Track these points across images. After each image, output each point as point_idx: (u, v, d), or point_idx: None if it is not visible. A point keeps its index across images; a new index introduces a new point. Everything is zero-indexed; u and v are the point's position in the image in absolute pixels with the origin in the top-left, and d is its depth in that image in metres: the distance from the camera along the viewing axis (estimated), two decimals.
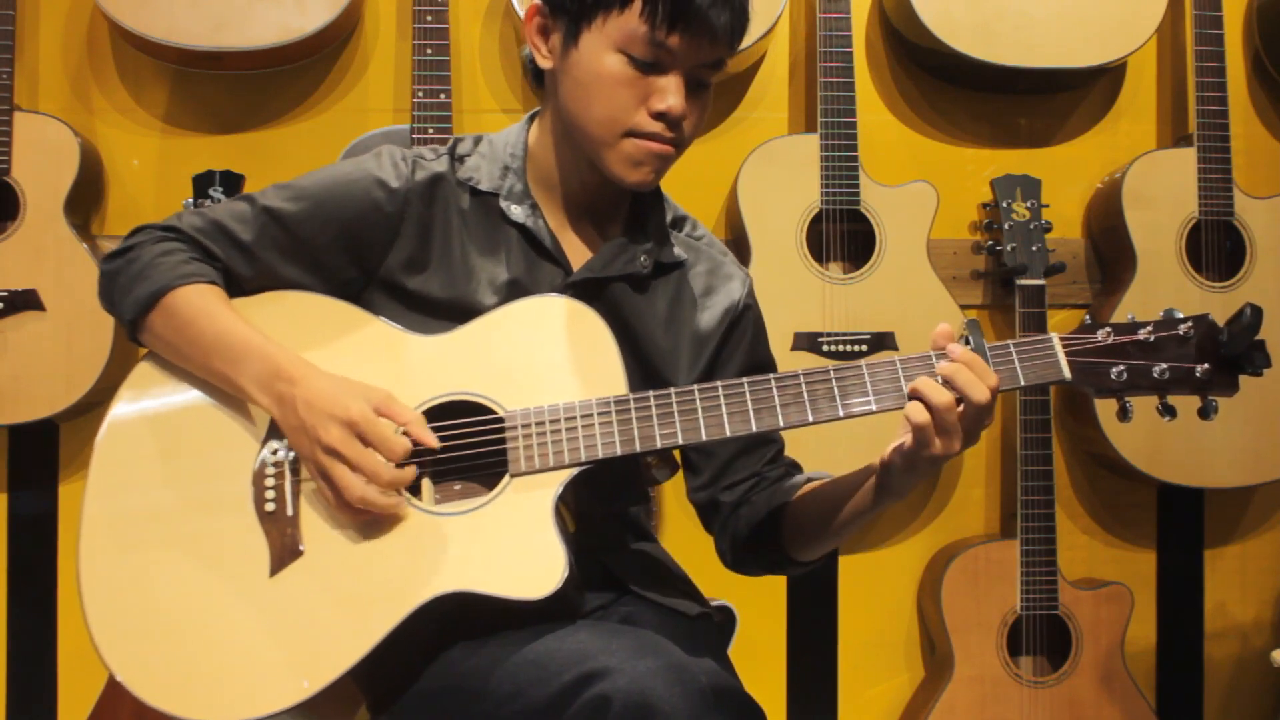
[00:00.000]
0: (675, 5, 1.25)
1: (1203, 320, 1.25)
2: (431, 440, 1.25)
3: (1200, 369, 1.25)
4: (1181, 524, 2.67)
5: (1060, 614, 2.38)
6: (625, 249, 1.41)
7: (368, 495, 1.22)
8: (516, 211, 1.40)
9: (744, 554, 1.48)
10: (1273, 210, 2.47)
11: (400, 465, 1.24)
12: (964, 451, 1.25)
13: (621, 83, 1.29)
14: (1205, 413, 1.27)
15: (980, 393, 1.20)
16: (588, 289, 1.38)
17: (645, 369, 1.41)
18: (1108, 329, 1.26)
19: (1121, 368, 1.25)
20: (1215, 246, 2.46)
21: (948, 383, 1.21)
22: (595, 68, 1.29)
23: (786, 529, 1.43)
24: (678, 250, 1.47)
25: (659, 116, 1.30)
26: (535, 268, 1.39)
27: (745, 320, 1.49)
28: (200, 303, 1.32)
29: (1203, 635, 2.66)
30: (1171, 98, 2.66)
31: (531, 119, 1.45)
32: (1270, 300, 2.40)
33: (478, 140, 1.45)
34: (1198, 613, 2.67)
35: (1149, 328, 1.26)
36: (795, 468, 1.51)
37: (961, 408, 1.21)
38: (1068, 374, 1.25)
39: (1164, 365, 1.25)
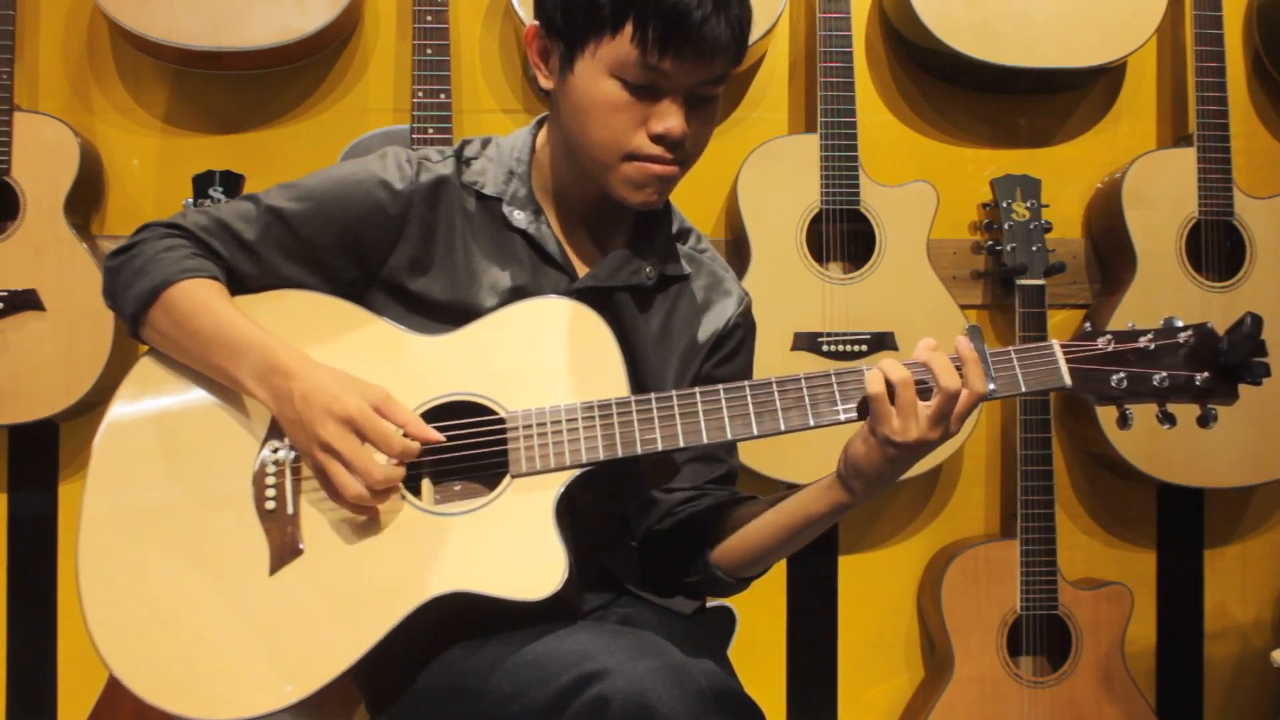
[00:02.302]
0: (666, 30, 1.22)
1: (1202, 329, 1.26)
2: (433, 435, 1.25)
3: (1200, 377, 1.25)
4: (1181, 524, 2.67)
5: (1060, 614, 2.38)
6: (630, 260, 1.41)
7: (363, 493, 1.22)
8: (519, 217, 1.39)
9: (657, 545, 1.44)
10: (1273, 210, 2.47)
11: (409, 463, 1.25)
12: (921, 457, 1.23)
13: (618, 107, 1.27)
14: (1204, 421, 1.27)
15: (950, 380, 1.19)
16: (591, 297, 1.37)
17: (635, 381, 1.40)
18: (1108, 336, 1.26)
19: (1122, 375, 1.25)
20: (1215, 246, 2.46)
21: (924, 366, 1.21)
22: (591, 93, 1.28)
23: (724, 530, 1.38)
24: (682, 263, 1.46)
25: (658, 139, 1.28)
26: (539, 274, 1.39)
27: (733, 337, 1.48)
28: (201, 297, 1.32)
29: (1203, 635, 2.66)
30: (1171, 98, 2.66)
31: (540, 123, 1.45)
32: (1270, 301, 2.41)
33: (485, 143, 1.44)
34: (1198, 613, 2.67)
35: (1149, 335, 1.26)
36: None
37: (936, 400, 1.20)
38: (1068, 381, 1.24)
39: (1164, 373, 1.25)
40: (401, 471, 1.24)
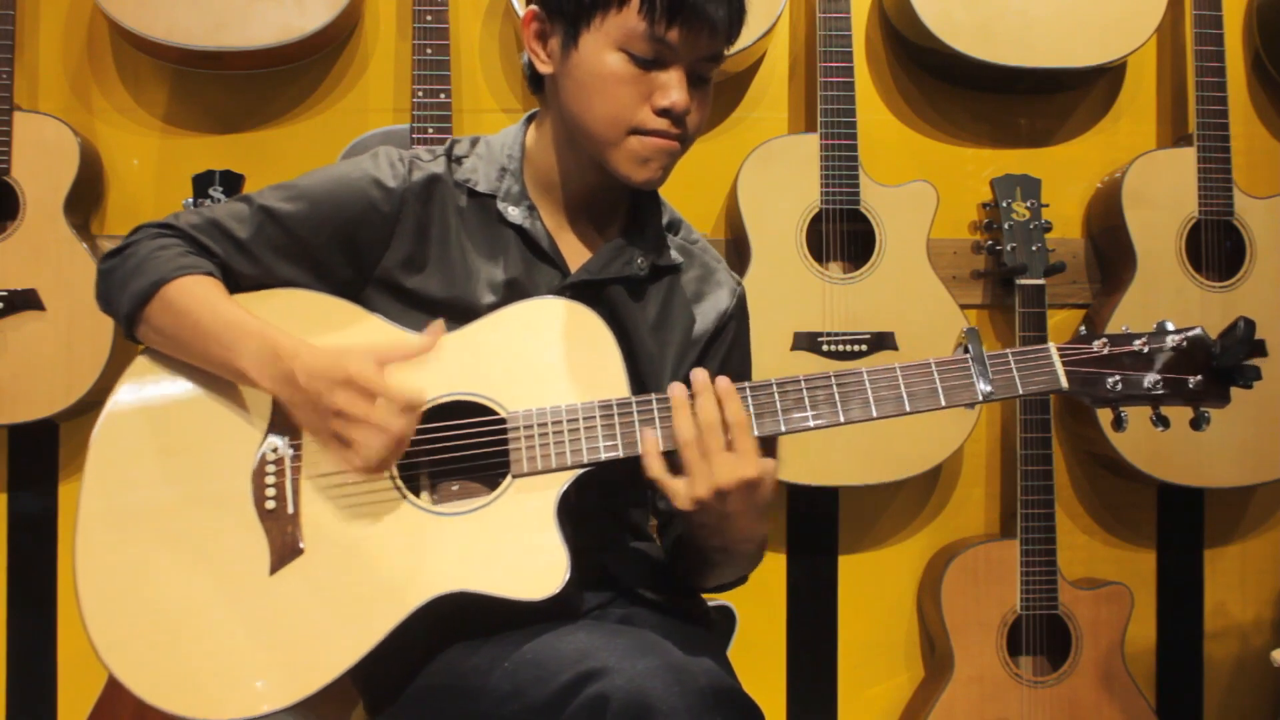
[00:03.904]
0: (673, 0, 1.25)
1: (1195, 332, 1.27)
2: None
3: (1193, 381, 1.27)
4: (1181, 524, 2.67)
5: (1060, 614, 2.38)
6: (623, 251, 1.42)
7: (385, 455, 1.20)
8: (513, 213, 1.40)
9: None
10: (1273, 210, 2.47)
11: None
12: (755, 497, 1.24)
13: (624, 81, 1.29)
14: (1197, 424, 1.29)
15: (683, 426, 1.23)
16: (585, 291, 1.38)
17: (633, 373, 1.40)
18: (1103, 339, 1.27)
19: (1117, 378, 1.26)
20: (1215, 246, 2.46)
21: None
22: (596, 68, 1.29)
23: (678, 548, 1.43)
24: (673, 254, 1.47)
25: (663, 113, 1.30)
26: (533, 269, 1.39)
27: (728, 330, 1.49)
28: (199, 292, 1.32)
29: (1203, 635, 2.67)
30: (1171, 98, 2.66)
31: (529, 121, 1.45)
32: (1269, 301, 2.41)
33: (474, 142, 1.45)
34: (1198, 613, 2.67)
35: (1143, 339, 1.28)
36: None
37: (688, 449, 1.22)
38: (1065, 384, 1.26)
39: (1157, 376, 1.27)
40: (417, 416, 1.22)
